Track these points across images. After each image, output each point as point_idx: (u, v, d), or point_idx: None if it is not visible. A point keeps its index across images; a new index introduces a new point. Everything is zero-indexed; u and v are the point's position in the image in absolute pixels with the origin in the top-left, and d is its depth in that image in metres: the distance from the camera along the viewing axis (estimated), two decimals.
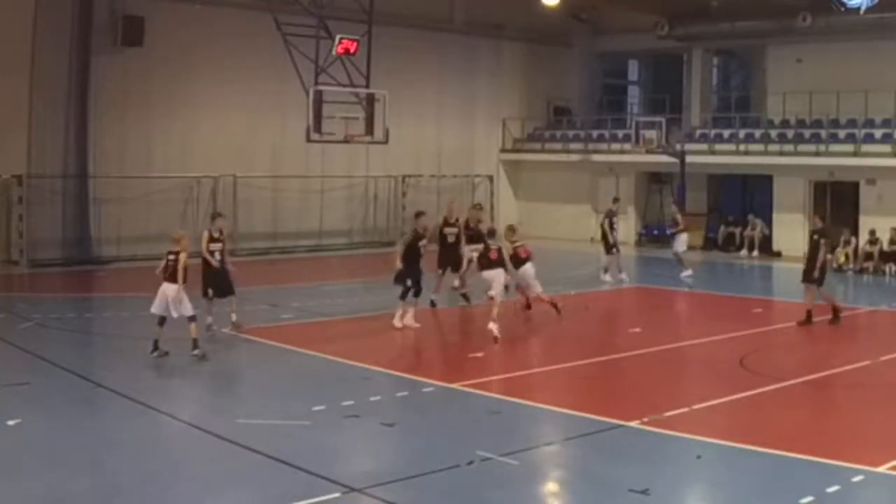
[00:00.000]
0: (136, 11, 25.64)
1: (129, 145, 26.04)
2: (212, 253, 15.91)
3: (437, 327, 18.12)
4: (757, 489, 8.94)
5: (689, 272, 23.78)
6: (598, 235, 24.09)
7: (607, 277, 23.07)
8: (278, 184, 28.62)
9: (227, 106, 27.60)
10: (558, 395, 12.67)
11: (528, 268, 17.72)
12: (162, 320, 14.04)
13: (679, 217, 24.90)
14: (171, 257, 14.07)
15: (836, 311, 17.55)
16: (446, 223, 19.10)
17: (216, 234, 16.21)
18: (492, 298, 16.06)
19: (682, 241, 24.32)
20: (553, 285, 21.90)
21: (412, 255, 16.83)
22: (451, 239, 18.91)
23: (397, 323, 16.67)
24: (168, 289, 13.95)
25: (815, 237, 17.68)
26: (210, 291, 15.84)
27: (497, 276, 16.17)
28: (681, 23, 31.69)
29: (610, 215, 23.71)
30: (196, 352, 13.98)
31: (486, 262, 16.46)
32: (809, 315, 17.35)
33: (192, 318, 14.07)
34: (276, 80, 25.71)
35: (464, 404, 12.08)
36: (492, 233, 17.35)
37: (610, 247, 23.31)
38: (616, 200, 25.20)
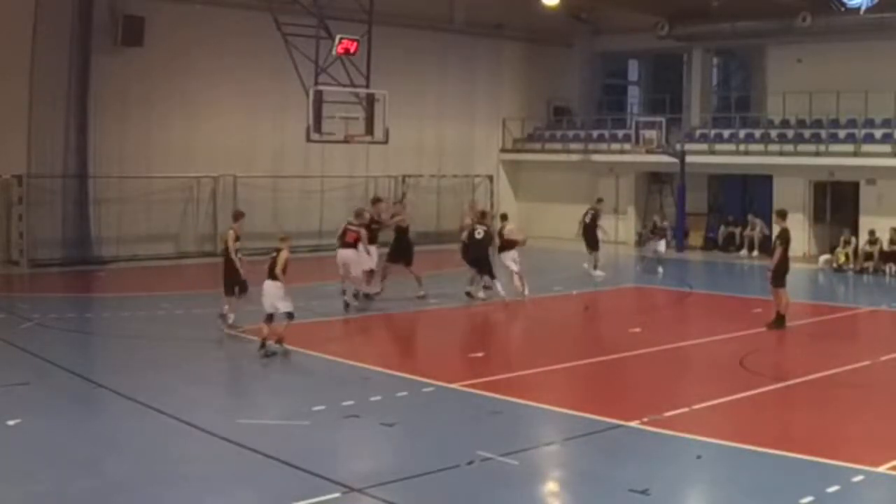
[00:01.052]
0: (136, 11, 25.64)
1: (129, 145, 26.03)
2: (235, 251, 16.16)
3: (437, 327, 18.11)
4: (757, 489, 8.94)
5: (661, 270, 24.64)
6: (580, 232, 24.00)
7: (598, 272, 23.28)
8: (278, 184, 28.61)
9: (227, 106, 27.62)
10: (558, 395, 12.66)
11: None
12: (269, 318, 14.37)
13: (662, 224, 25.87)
14: (274, 254, 14.52)
15: (779, 315, 17.07)
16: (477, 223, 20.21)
17: (239, 234, 16.48)
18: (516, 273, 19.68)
19: (663, 244, 25.25)
20: (553, 285, 21.96)
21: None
22: (478, 236, 19.96)
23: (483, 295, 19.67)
24: (269, 286, 14.30)
25: (775, 240, 17.40)
26: (237, 289, 16.13)
27: (511, 255, 19.79)
28: (681, 23, 31.69)
29: (594, 214, 23.97)
30: (265, 349, 14.28)
31: (503, 245, 19.80)
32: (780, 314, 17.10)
33: (290, 316, 14.42)
34: (276, 80, 25.72)
35: (464, 404, 12.07)
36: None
37: (595, 243, 23.60)
38: (600, 200, 25.47)
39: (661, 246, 25.19)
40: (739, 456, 9.85)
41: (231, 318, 16.05)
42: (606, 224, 25.28)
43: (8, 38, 23.64)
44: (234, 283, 16.04)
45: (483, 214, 21.14)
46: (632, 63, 39.83)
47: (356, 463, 9.94)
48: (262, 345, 14.37)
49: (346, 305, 18.55)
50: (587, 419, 11.20)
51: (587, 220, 23.84)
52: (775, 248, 17.19)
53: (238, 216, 16.98)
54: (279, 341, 14.43)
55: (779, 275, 17.06)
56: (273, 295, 14.30)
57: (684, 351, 15.68)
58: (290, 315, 14.44)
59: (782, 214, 17.68)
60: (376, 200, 21.39)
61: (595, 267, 23.49)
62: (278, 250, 14.51)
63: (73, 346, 15.82)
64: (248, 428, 10.67)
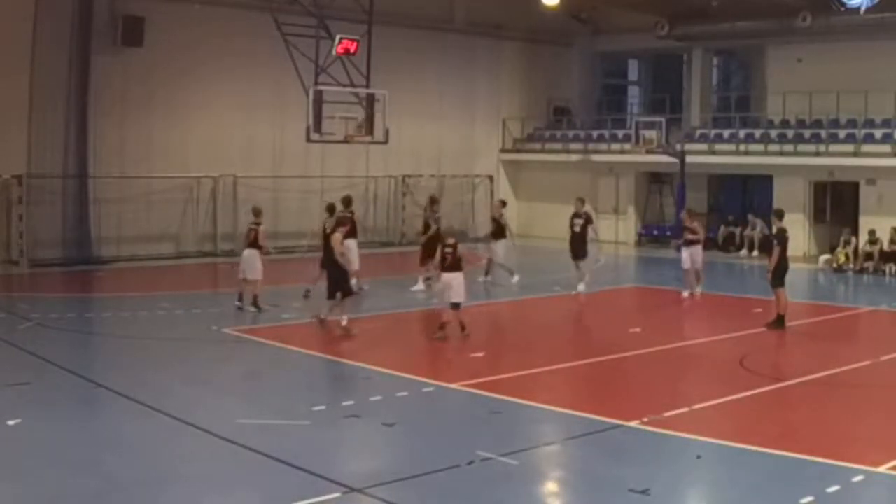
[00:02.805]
0: (136, 11, 25.65)
1: (129, 145, 26.04)
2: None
3: (436, 327, 18.09)
4: (757, 489, 8.94)
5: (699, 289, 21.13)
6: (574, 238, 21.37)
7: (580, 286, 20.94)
8: (278, 184, 28.61)
9: (227, 106, 27.62)
10: (558, 395, 12.66)
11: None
12: (455, 306, 15.76)
13: (693, 224, 21.29)
14: (448, 250, 15.79)
15: (779, 315, 16.98)
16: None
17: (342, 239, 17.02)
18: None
19: (700, 255, 21.04)
20: (553, 285, 21.95)
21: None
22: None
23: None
24: (448, 278, 15.73)
25: (772, 240, 17.41)
26: (338, 295, 16.43)
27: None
28: (681, 23, 31.69)
29: (584, 223, 21.32)
30: (466, 332, 15.81)
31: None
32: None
33: (455, 306, 15.74)
34: (276, 80, 25.75)
35: (464, 404, 12.09)
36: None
37: (583, 252, 21.19)
38: (581, 200, 21.96)
39: (699, 259, 20.83)
40: (739, 456, 9.85)
41: (345, 319, 16.16)
42: (606, 224, 24.82)
43: (8, 38, 23.64)
44: (339, 287, 16.33)
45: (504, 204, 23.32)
46: (632, 63, 39.88)
47: (356, 463, 9.94)
48: (442, 326, 15.71)
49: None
50: (587, 419, 11.20)
51: (576, 228, 21.26)
52: (772, 248, 17.21)
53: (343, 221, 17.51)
54: (462, 328, 15.81)
55: (778, 275, 17.07)
56: (452, 287, 15.61)
57: (684, 351, 15.68)
58: (456, 305, 15.73)
59: (779, 214, 17.70)
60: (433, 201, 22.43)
61: (581, 280, 20.92)
62: (454, 246, 15.74)
63: (73, 346, 15.81)
64: (248, 428, 10.67)
